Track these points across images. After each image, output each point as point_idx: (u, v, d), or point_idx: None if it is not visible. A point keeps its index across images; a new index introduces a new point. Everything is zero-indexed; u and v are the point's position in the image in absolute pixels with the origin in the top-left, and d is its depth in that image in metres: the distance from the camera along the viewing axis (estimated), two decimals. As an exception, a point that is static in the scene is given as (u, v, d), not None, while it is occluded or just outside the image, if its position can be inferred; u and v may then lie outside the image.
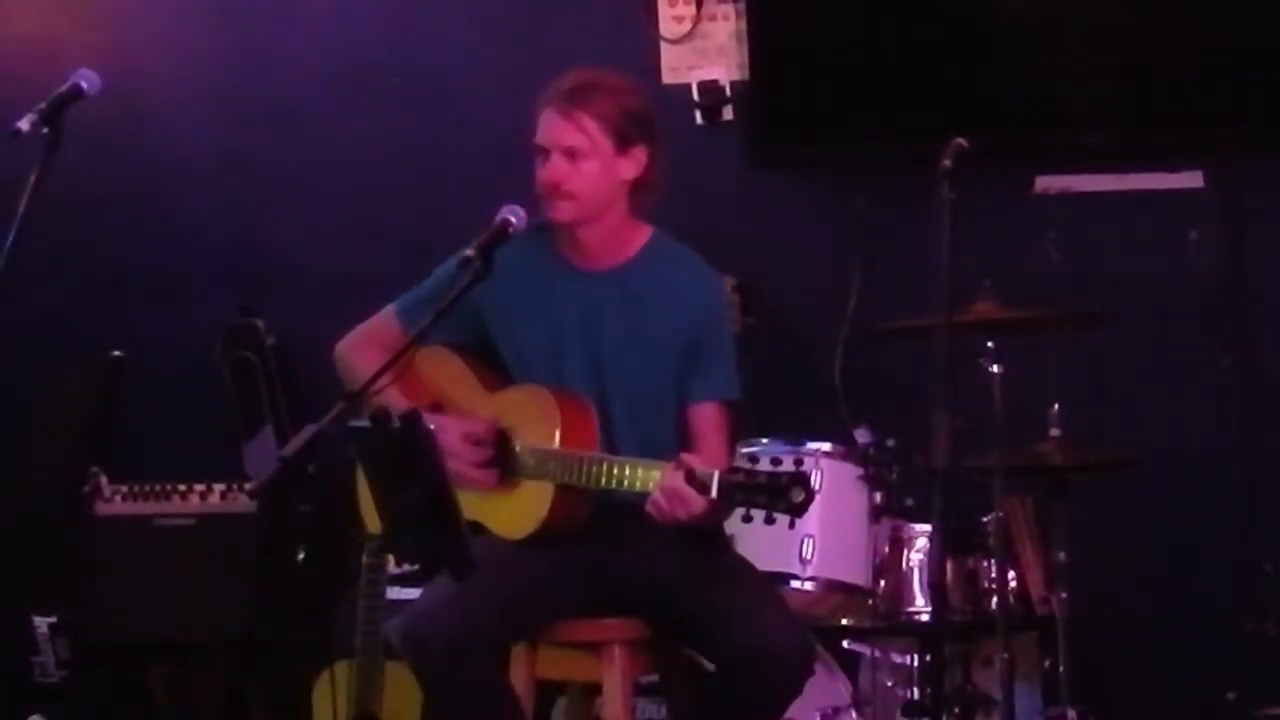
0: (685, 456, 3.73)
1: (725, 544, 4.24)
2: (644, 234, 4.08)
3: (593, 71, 4.02)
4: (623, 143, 3.95)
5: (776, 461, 3.63)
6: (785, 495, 3.59)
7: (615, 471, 3.80)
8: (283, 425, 5.59)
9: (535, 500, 3.91)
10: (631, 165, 3.98)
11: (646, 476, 3.75)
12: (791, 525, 3.70)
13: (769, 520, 3.64)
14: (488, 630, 3.79)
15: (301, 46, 5.91)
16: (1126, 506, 5.18)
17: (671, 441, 3.91)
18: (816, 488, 4.63)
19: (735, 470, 3.67)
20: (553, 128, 3.95)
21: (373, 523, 4.00)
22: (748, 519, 3.66)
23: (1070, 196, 5.37)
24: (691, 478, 3.66)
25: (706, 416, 3.99)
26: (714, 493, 3.64)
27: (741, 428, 4.20)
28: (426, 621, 3.77)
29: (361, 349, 4.10)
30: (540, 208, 3.97)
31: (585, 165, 3.94)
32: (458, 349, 4.10)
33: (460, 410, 4.02)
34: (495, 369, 4.10)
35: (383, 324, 4.15)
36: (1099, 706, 4.70)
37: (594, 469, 3.83)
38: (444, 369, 4.07)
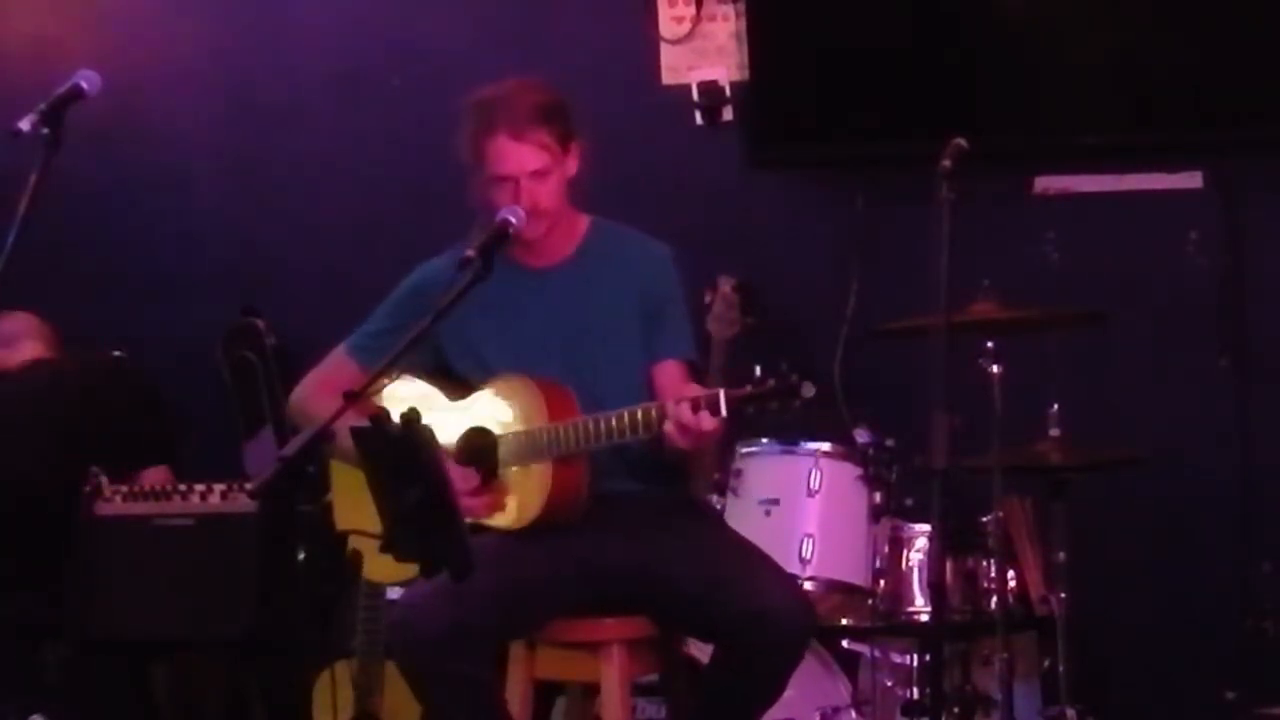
0: (684, 388, 3.74)
1: (717, 518, 4.25)
2: (584, 221, 4.12)
3: (505, 86, 3.99)
4: (565, 144, 3.99)
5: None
6: (798, 392, 3.56)
7: (611, 423, 3.77)
8: (283, 425, 5.59)
9: (536, 483, 3.90)
10: (574, 162, 4.03)
11: (646, 419, 3.72)
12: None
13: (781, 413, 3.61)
14: (478, 623, 3.77)
15: (301, 46, 5.92)
16: (1126, 506, 5.18)
17: None
18: (816, 488, 4.68)
19: (739, 384, 3.63)
20: (514, 156, 3.93)
21: (344, 520, 4.05)
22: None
23: (1069, 197, 5.37)
24: (698, 405, 3.63)
25: (673, 372, 4.00)
26: (724, 411, 3.61)
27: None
28: (416, 610, 3.77)
29: (318, 395, 4.04)
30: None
31: (551, 180, 3.97)
32: (415, 372, 4.05)
33: (436, 426, 3.97)
34: (457, 383, 4.08)
35: (337, 365, 4.11)
36: (1098, 706, 4.71)
37: (589, 427, 3.81)
38: (409, 391, 4.02)
